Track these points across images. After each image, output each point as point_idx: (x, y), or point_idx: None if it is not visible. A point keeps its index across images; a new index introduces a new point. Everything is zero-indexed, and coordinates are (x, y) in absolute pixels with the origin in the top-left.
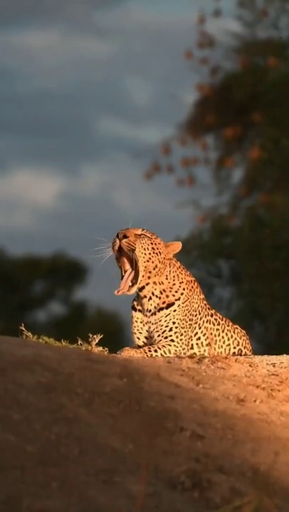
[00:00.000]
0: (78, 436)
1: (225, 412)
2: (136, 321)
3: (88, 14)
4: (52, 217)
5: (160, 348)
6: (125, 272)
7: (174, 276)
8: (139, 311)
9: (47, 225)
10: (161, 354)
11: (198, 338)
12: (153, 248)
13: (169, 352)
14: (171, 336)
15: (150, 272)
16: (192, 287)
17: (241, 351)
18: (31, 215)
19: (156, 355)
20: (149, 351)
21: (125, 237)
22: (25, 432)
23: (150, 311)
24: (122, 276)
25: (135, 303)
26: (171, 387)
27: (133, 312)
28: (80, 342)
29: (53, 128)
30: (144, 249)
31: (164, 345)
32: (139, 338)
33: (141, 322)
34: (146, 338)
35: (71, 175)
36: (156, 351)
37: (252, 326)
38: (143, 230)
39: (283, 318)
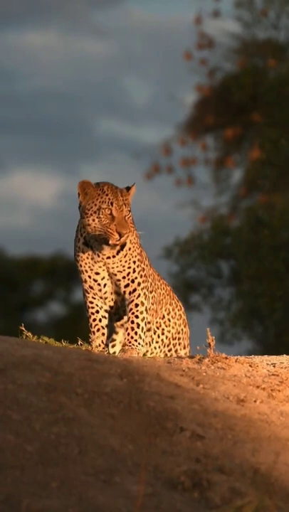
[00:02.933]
0: (78, 436)
1: (225, 413)
2: (87, 258)
3: (87, 14)
4: (51, 218)
5: (137, 310)
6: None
7: None
8: (91, 247)
9: (46, 225)
10: (140, 310)
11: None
12: (129, 210)
13: (143, 301)
14: (136, 278)
15: None
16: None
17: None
18: (31, 215)
19: (142, 318)
20: (134, 335)
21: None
22: (24, 432)
23: (109, 257)
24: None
25: (90, 240)
26: (171, 387)
27: (84, 247)
28: (80, 342)
29: (52, 128)
30: (133, 224)
31: (136, 304)
32: (90, 277)
33: (92, 259)
34: (96, 273)
35: (70, 175)
36: (136, 317)
37: (251, 326)
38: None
39: (283, 319)
